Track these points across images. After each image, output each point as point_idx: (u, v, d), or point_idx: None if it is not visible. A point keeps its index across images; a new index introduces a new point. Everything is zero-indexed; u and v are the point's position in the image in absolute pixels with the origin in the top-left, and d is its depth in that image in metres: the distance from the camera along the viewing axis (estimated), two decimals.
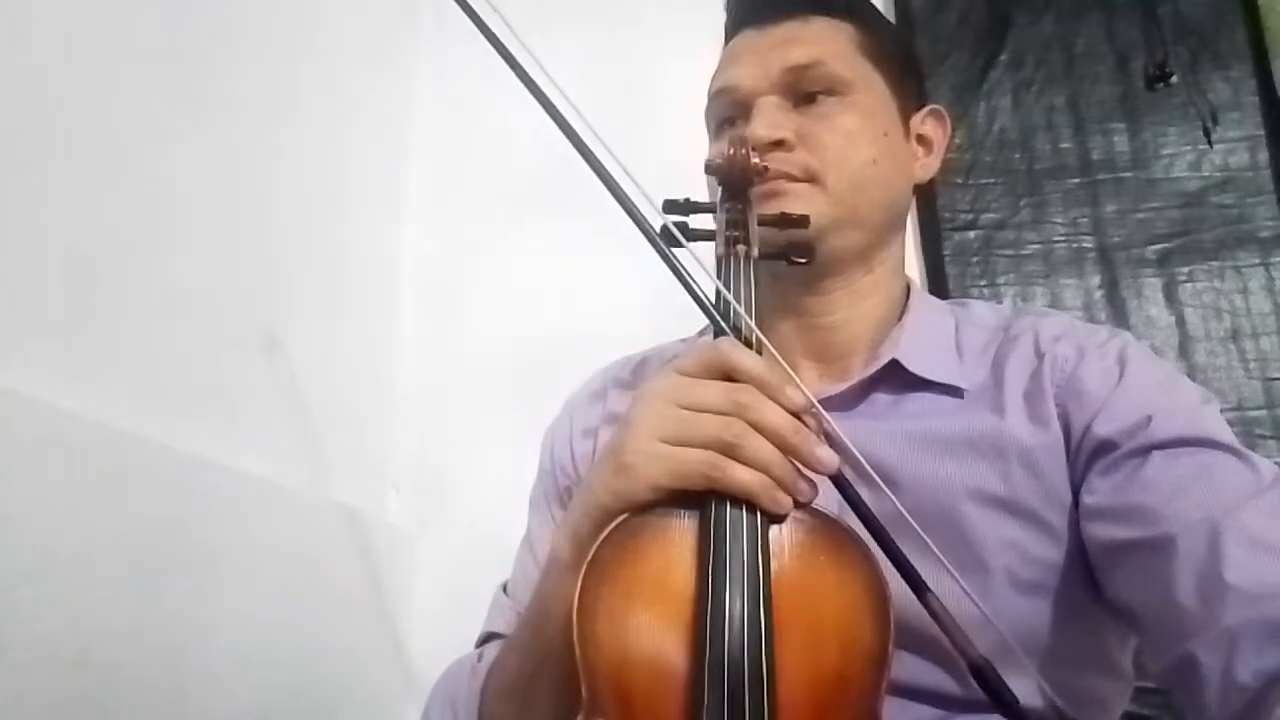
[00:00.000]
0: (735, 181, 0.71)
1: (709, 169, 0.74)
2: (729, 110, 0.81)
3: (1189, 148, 1.36)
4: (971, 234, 1.37)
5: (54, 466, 0.82)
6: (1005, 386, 0.71)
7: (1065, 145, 1.39)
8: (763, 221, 0.70)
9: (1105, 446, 0.66)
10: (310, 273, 1.29)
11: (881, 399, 0.74)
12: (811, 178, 0.75)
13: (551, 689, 0.64)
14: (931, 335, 0.76)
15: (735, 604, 0.55)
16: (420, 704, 1.33)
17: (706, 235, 0.71)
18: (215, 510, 1.02)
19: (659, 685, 0.54)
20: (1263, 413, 1.25)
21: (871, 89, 0.80)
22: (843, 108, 0.78)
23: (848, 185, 0.76)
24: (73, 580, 0.83)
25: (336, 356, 1.34)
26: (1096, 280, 1.34)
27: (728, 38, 0.87)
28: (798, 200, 0.74)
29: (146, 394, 0.97)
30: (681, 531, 0.58)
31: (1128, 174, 1.37)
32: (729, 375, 0.60)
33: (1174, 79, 1.37)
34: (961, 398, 0.72)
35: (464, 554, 1.38)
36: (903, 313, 0.79)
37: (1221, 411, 1.31)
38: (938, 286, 1.35)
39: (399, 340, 1.50)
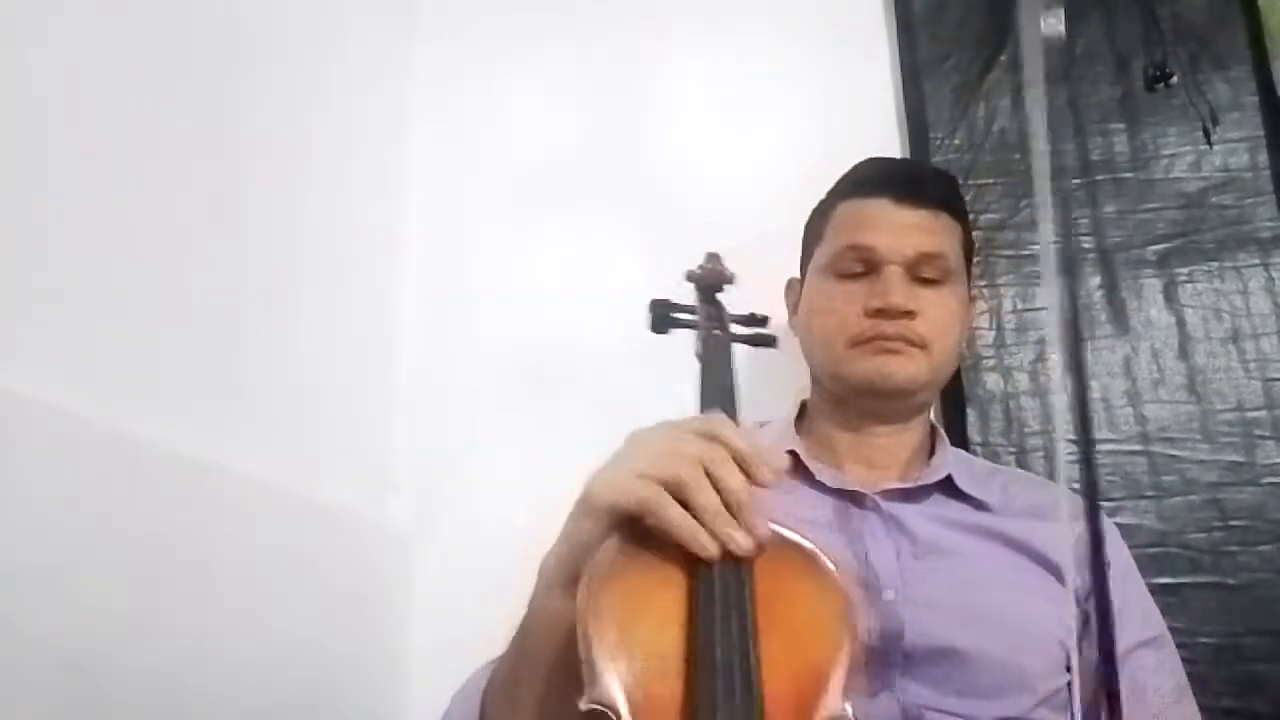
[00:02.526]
0: (710, 288, 0.93)
1: (690, 278, 0.94)
2: (856, 262, 0.99)
3: (1189, 149, 1.36)
4: (971, 234, 1.37)
5: (52, 467, 0.82)
6: (1032, 513, 0.95)
7: (1065, 146, 1.39)
8: (735, 319, 0.90)
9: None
10: (311, 273, 1.29)
11: (934, 498, 0.97)
12: (922, 345, 0.96)
13: (529, 692, 0.72)
14: (965, 465, 1.02)
15: (722, 607, 0.62)
16: (419, 707, 1.34)
17: (690, 324, 0.89)
18: (214, 512, 1.02)
19: (656, 674, 0.61)
20: (1263, 413, 1.24)
21: (962, 281, 1.02)
22: (947, 294, 0.99)
23: (943, 358, 0.99)
24: (71, 581, 0.83)
25: (338, 358, 1.34)
26: (1096, 281, 1.33)
27: (853, 191, 1.04)
28: (911, 362, 0.96)
29: (146, 394, 0.97)
30: (676, 549, 0.65)
31: (1127, 175, 1.36)
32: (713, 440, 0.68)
33: (1174, 80, 1.37)
34: (992, 511, 0.96)
35: (464, 557, 1.38)
36: (933, 440, 1.04)
37: (1221, 412, 1.32)
38: None
39: (400, 342, 1.50)
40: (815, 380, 1.06)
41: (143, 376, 0.97)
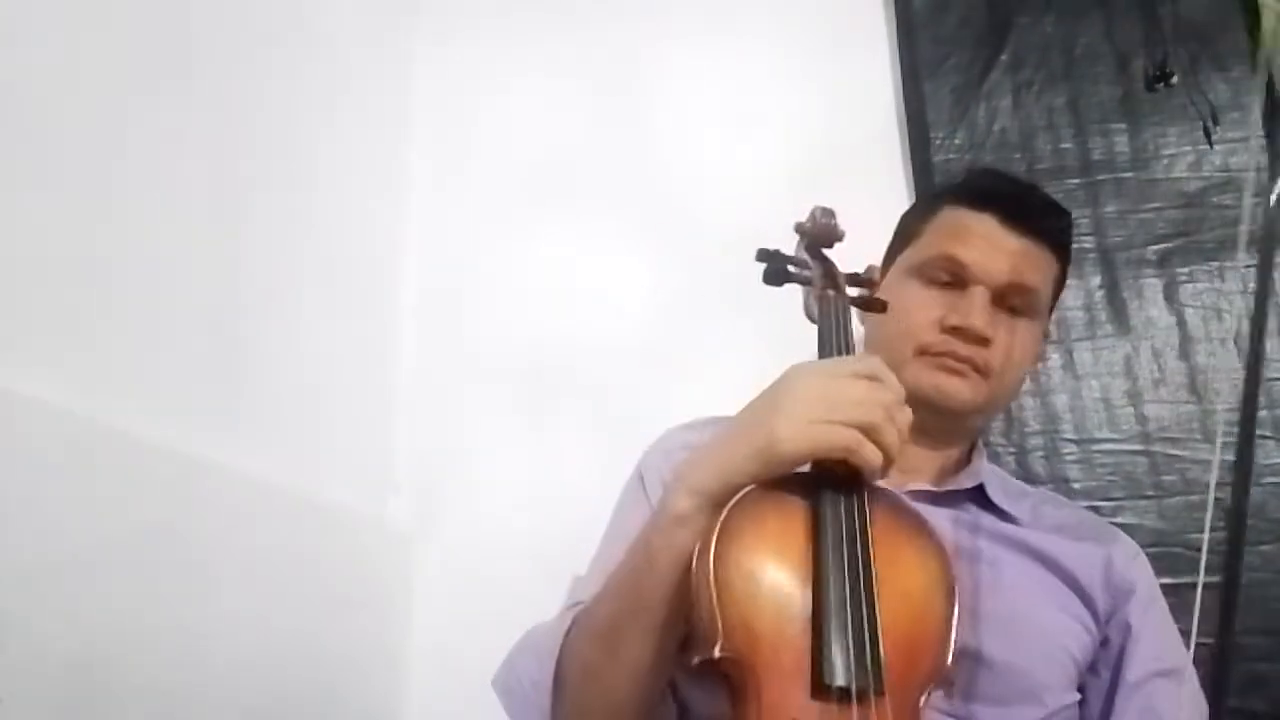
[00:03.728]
0: (818, 243, 0.90)
1: (799, 229, 0.92)
2: (945, 272, 0.97)
3: (1189, 148, 1.36)
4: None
5: (53, 467, 0.82)
6: (1061, 530, 0.95)
7: (1065, 146, 1.39)
8: (846, 278, 0.89)
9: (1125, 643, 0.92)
10: (311, 273, 1.29)
11: (964, 505, 0.96)
12: (987, 373, 0.95)
13: (641, 634, 0.74)
14: (998, 478, 1.00)
15: (844, 561, 0.67)
16: (419, 707, 1.34)
17: (805, 280, 0.87)
18: (214, 511, 1.02)
19: (783, 623, 0.66)
20: (1264, 413, 1.24)
21: (1044, 317, 1.01)
22: (1026, 328, 0.97)
23: (1005, 389, 0.99)
24: (72, 581, 0.83)
25: (337, 358, 1.34)
26: (1097, 281, 1.33)
27: (962, 198, 1.01)
28: (971, 386, 0.94)
29: (146, 394, 0.97)
30: (796, 505, 0.71)
31: (1128, 174, 1.36)
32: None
33: (1174, 80, 1.37)
34: (1021, 524, 0.95)
35: (464, 557, 1.38)
36: (970, 453, 1.02)
37: (1222, 412, 1.30)
38: None
39: (399, 341, 1.50)
40: None
41: (143, 376, 0.97)
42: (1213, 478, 0.70)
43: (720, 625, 0.64)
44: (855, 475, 0.72)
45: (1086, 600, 0.91)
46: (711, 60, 1.54)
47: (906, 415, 0.72)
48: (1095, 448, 1.27)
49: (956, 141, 1.40)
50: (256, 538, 1.08)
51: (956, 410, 0.96)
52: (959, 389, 0.94)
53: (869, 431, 0.69)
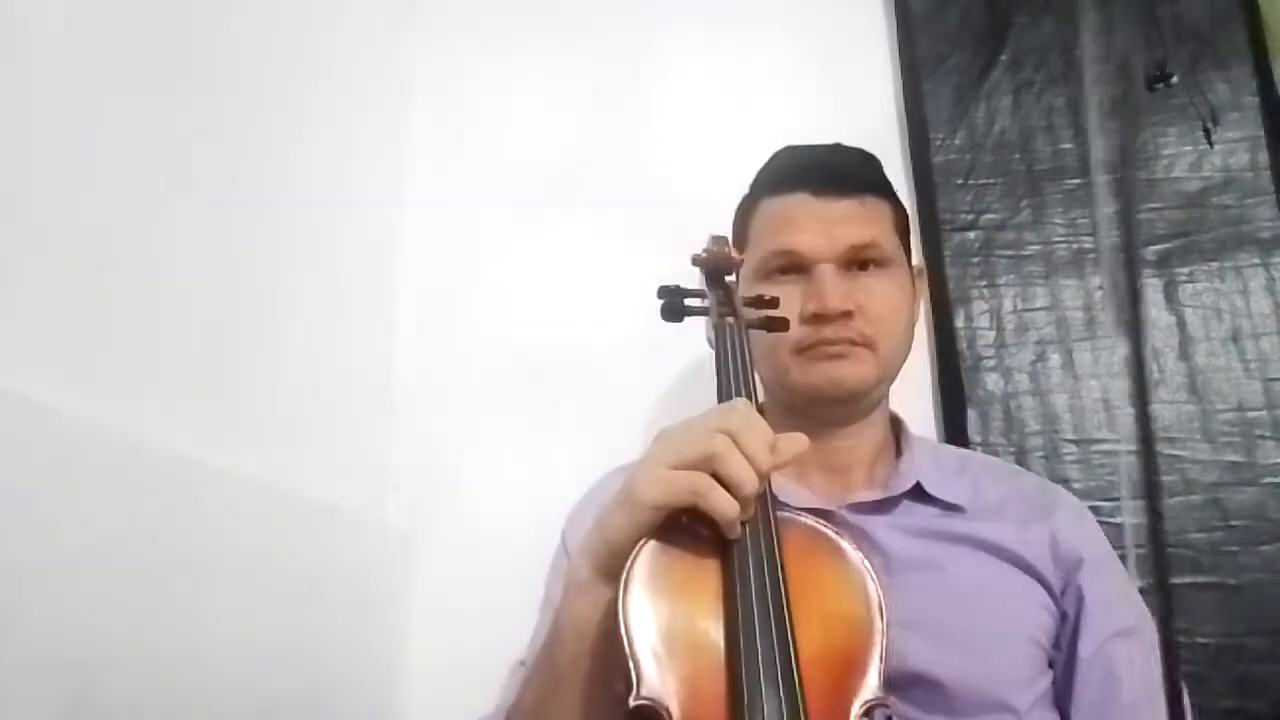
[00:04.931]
0: (718, 271, 0.90)
1: (695, 262, 0.90)
2: (786, 267, 0.95)
3: (1189, 149, 1.36)
4: (971, 234, 1.37)
5: (52, 468, 0.82)
6: (1004, 511, 0.94)
7: (1065, 146, 1.39)
8: (746, 302, 0.89)
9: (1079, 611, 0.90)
10: (309, 273, 1.29)
11: (904, 505, 0.93)
12: (868, 344, 0.92)
13: (564, 708, 0.73)
14: (933, 463, 0.97)
15: (758, 599, 0.66)
16: (417, 708, 1.34)
17: (702, 310, 0.88)
18: (213, 512, 1.02)
19: (698, 665, 0.65)
20: (1263, 413, 1.24)
21: (899, 259, 0.98)
22: (886, 279, 0.95)
23: (892, 350, 0.95)
24: (70, 582, 0.83)
25: (335, 358, 1.34)
26: (1097, 281, 1.33)
27: (772, 187, 1.00)
28: (858, 364, 0.92)
29: (145, 395, 0.96)
30: (707, 544, 0.70)
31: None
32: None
33: (1174, 80, 1.37)
34: (964, 513, 0.92)
35: (463, 557, 1.38)
36: (898, 438, 1.01)
37: (1221, 412, 1.32)
38: (938, 288, 1.35)
39: (398, 341, 1.49)
40: (765, 388, 1.01)
41: (141, 377, 0.97)
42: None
43: (635, 674, 0.64)
44: (762, 503, 0.71)
45: (1040, 579, 0.90)
46: (710, 60, 1.54)
47: (745, 474, 0.68)
48: (1095, 448, 1.27)
49: (956, 142, 1.40)
50: (254, 538, 1.08)
51: (855, 391, 0.94)
52: (847, 372, 0.92)
53: (712, 463, 0.68)
